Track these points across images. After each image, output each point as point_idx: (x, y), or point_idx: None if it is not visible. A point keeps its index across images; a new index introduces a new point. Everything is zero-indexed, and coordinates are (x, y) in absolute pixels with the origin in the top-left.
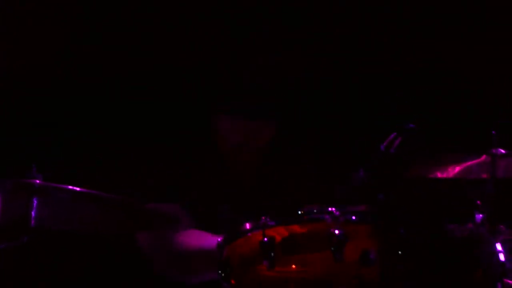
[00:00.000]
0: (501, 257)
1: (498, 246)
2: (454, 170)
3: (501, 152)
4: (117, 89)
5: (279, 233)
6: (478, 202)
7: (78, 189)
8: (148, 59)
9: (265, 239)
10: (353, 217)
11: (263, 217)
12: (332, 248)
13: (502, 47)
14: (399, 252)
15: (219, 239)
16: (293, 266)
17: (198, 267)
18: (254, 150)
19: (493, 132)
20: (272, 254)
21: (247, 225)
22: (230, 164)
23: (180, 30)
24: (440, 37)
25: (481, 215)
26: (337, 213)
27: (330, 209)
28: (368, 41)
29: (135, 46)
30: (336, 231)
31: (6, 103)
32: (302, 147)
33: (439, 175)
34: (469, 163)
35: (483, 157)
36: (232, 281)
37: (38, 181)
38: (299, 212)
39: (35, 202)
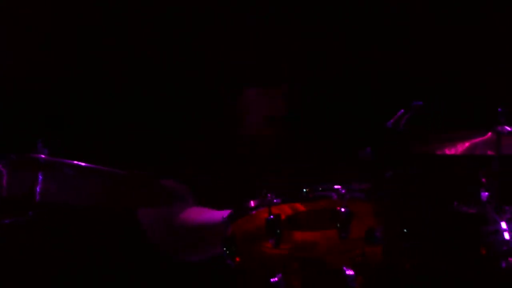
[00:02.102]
0: (506, 235)
1: (503, 225)
2: (460, 148)
3: (507, 130)
4: (129, 61)
5: (284, 210)
6: (484, 179)
7: (83, 164)
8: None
9: (271, 216)
10: (359, 195)
11: (268, 195)
12: (338, 226)
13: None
14: (404, 230)
15: (224, 216)
16: (298, 243)
17: (201, 244)
18: (275, 121)
19: (499, 109)
20: (278, 231)
21: (252, 203)
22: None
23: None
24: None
25: (486, 193)
26: (343, 190)
27: (336, 186)
28: (379, 27)
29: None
30: (342, 209)
31: (12, 79)
32: (309, 124)
33: (446, 152)
34: (474, 140)
35: (489, 135)
36: (237, 259)
37: (43, 156)
38: (305, 190)
39: (40, 177)
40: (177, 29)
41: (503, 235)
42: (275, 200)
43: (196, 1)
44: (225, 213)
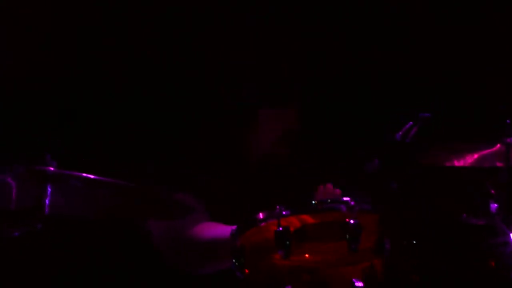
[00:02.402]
0: None
1: None
2: (469, 159)
3: None
4: (129, 61)
5: (293, 222)
6: (493, 191)
7: (92, 176)
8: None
9: (280, 228)
10: (368, 207)
11: (277, 207)
12: (347, 238)
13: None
14: (413, 242)
15: (233, 228)
16: (307, 255)
17: (211, 258)
18: (287, 140)
19: (508, 121)
20: (287, 243)
21: (261, 215)
22: (264, 156)
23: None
24: (455, 27)
25: (495, 205)
26: (352, 202)
27: (345, 198)
28: (386, 31)
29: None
30: (351, 221)
31: (20, 91)
32: (317, 136)
33: (455, 163)
34: (483, 152)
35: (498, 146)
36: (246, 270)
37: (52, 168)
38: (314, 202)
39: (49, 189)
40: (177, 29)
41: None
42: (284, 212)
43: (196, 1)
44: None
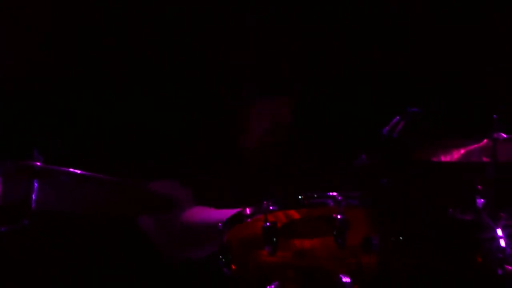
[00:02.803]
0: (502, 242)
1: (499, 232)
2: (456, 154)
3: (502, 137)
4: (129, 61)
5: (280, 218)
6: (479, 186)
7: (78, 171)
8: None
9: (267, 224)
10: (355, 202)
11: (264, 202)
12: (334, 233)
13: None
14: (400, 238)
15: (219, 224)
16: (294, 251)
17: (203, 242)
18: (277, 132)
19: (494, 116)
20: (274, 239)
21: (248, 210)
22: (253, 149)
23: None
24: (455, 27)
25: (482, 200)
26: (339, 197)
27: (331, 193)
28: (386, 31)
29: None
30: (338, 216)
31: (12, 79)
32: (304, 132)
33: (441, 158)
34: (470, 147)
35: (484, 141)
36: (233, 266)
37: (39, 164)
38: (300, 197)
39: (36, 184)
40: (177, 29)
41: (499, 242)
42: (271, 207)
43: (196, 1)
44: (224, 212)
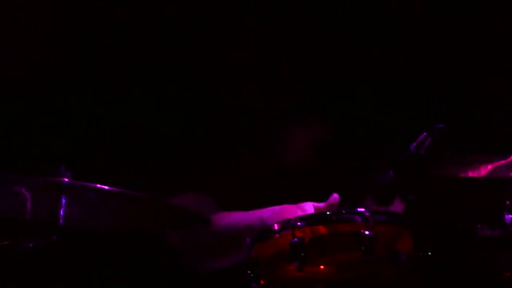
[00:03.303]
0: None
1: None
2: (483, 170)
3: None
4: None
5: (308, 233)
6: (507, 202)
7: (106, 187)
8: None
9: (295, 239)
10: (383, 218)
11: (292, 218)
12: (363, 249)
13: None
14: (429, 253)
15: (247, 240)
16: (322, 266)
17: (234, 247)
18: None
19: None
20: (302, 254)
21: (276, 226)
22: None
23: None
24: (455, 27)
25: (510, 216)
26: (367, 213)
27: (359, 209)
28: (386, 31)
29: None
30: (366, 232)
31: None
32: (332, 147)
33: (469, 174)
34: (497, 163)
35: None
36: (261, 281)
37: (66, 180)
38: (328, 213)
39: (63, 200)
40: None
41: None
42: (298, 223)
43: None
44: (252, 213)
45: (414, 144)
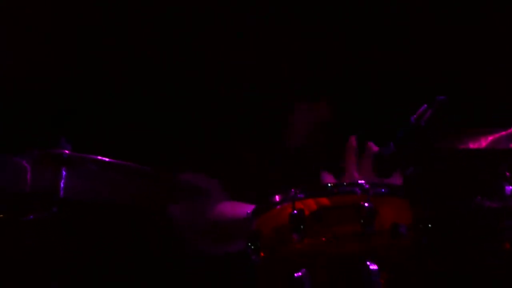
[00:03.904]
0: None
1: None
2: (483, 142)
3: None
4: (129, 61)
5: (308, 205)
6: (507, 173)
7: (107, 159)
8: None
9: (295, 211)
10: (383, 190)
11: (292, 190)
12: (362, 221)
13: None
14: (429, 225)
15: (248, 211)
16: (323, 239)
17: (232, 237)
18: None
19: None
20: (302, 226)
21: (277, 197)
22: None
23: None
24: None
25: (510, 187)
26: (367, 186)
27: (359, 181)
28: (386, 31)
29: None
30: (366, 204)
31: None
32: (332, 120)
33: (470, 146)
34: (498, 134)
35: None
36: (262, 254)
37: (67, 152)
38: (329, 185)
39: (63, 172)
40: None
41: None
42: (299, 195)
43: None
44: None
45: (414, 115)
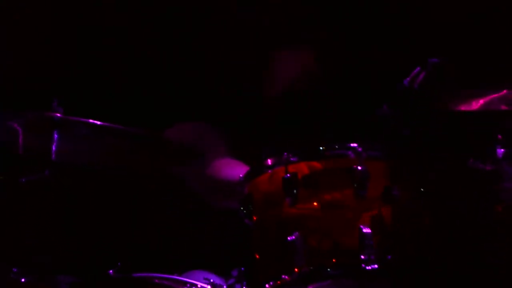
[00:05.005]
0: None
1: None
2: (475, 104)
3: None
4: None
5: (301, 169)
6: (499, 136)
7: (99, 122)
8: None
9: (288, 175)
10: (376, 153)
11: (285, 153)
12: (355, 185)
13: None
14: (421, 189)
15: (240, 175)
16: (315, 203)
17: (229, 196)
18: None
19: None
20: (295, 191)
21: (269, 161)
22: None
23: None
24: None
25: (502, 150)
26: (360, 149)
27: (352, 145)
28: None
29: None
30: (359, 167)
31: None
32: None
33: (462, 108)
34: (489, 96)
35: (504, 92)
36: (254, 218)
37: (59, 115)
38: (321, 148)
39: (55, 135)
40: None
41: None
42: (291, 159)
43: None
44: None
45: (408, 78)
